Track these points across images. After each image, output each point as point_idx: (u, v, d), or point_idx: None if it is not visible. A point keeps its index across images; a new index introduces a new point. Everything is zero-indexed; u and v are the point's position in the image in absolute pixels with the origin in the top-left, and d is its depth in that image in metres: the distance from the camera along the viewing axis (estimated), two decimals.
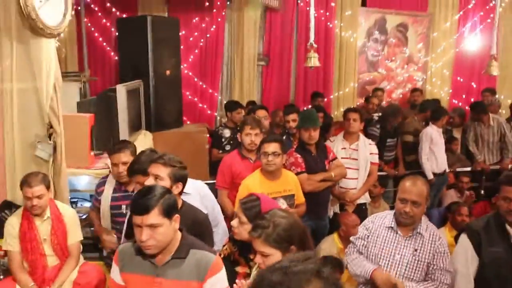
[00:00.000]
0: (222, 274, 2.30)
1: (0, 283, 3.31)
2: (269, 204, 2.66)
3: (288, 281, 1.10)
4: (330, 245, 4.30)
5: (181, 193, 2.84)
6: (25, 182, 3.18)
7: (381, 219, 2.98)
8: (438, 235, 2.88)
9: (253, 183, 3.64)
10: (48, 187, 3.29)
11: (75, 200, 4.16)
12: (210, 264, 2.24)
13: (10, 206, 3.61)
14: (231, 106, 6.06)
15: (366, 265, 2.89)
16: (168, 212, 2.17)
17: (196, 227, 2.76)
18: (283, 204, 3.72)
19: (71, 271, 3.30)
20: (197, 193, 3.22)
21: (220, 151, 5.73)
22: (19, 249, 3.24)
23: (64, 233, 3.31)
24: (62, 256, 3.33)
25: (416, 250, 2.82)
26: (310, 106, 6.65)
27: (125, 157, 3.43)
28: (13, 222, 3.26)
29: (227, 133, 5.79)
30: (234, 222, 2.65)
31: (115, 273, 2.36)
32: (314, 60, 4.57)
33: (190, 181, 3.14)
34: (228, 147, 5.73)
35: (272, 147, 3.64)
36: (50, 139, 3.63)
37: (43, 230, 3.27)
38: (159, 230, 2.14)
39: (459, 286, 2.90)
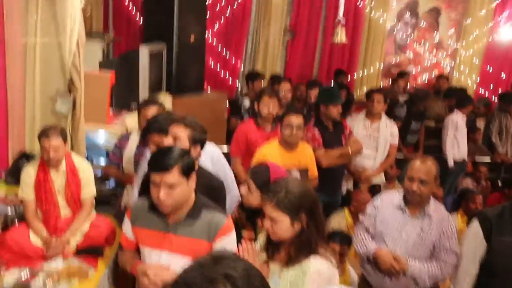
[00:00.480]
0: (232, 236, 2.30)
1: (15, 229, 3.39)
2: (278, 172, 2.67)
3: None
4: (340, 219, 4.31)
5: (197, 157, 2.84)
6: (44, 134, 3.20)
7: (390, 198, 2.96)
8: (447, 217, 2.86)
9: (270, 153, 3.64)
10: (65, 141, 3.32)
11: (91, 155, 4.21)
12: (221, 225, 2.25)
13: (28, 157, 3.69)
14: (253, 76, 6.04)
15: (369, 244, 2.89)
16: (187, 172, 2.17)
17: (211, 193, 2.77)
18: (297, 176, 3.72)
19: (82, 222, 3.36)
20: (209, 157, 3.17)
21: (239, 120, 5.71)
22: (34, 198, 3.31)
23: (78, 187, 3.35)
24: (75, 209, 3.38)
25: (422, 230, 2.81)
26: (332, 83, 6.57)
27: (154, 111, 3.43)
28: (29, 172, 3.31)
29: (247, 103, 5.77)
30: (243, 189, 2.67)
31: (126, 227, 2.40)
32: (341, 36, 4.52)
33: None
34: (246, 117, 5.71)
35: (298, 120, 3.63)
36: (70, 95, 3.67)
37: (58, 182, 3.32)
38: (177, 190, 2.14)
39: (464, 269, 2.88)
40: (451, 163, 5.73)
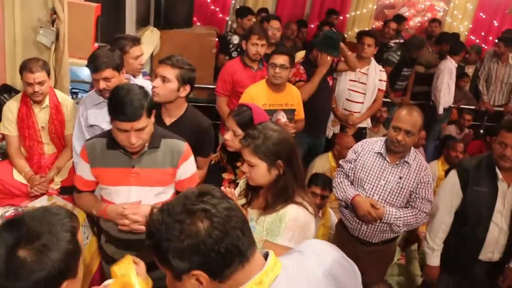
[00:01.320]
0: (192, 159, 2.46)
1: None
2: (260, 115, 2.66)
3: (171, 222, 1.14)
4: (324, 162, 4.40)
5: (188, 96, 2.83)
6: (26, 68, 3.09)
7: (371, 144, 3.00)
8: (425, 166, 2.92)
9: (256, 92, 3.63)
10: (49, 74, 3.23)
11: (76, 91, 4.15)
12: (182, 150, 2.38)
13: (9, 90, 3.60)
14: (242, 12, 5.86)
15: (348, 190, 2.95)
16: (151, 112, 2.22)
17: (199, 134, 2.82)
18: (283, 117, 3.73)
19: (67, 160, 3.34)
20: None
21: (227, 57, 5.61)
22: (17, 134, 3.26)
23: (62, 123, 3.31)
24: (59, 145, 3.36)
25: (401, 178, 2.88)
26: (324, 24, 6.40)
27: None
28: (11, 107, 3.24)
29: (235, 39, 5.63)
30: (228, 135, 2.66)
31: (84, 170, 2.39)
32: None
33: (144, 81, 3.20)
34: (235, 54, 5.59)
35: (281, 59, 3.58)
36: (53, 26, 3.54)
37: (41, 117, 3.26)
38: (146, 130, 2.20)
39: (440, 217, 3.00)
40: (441, 110, 5.78)
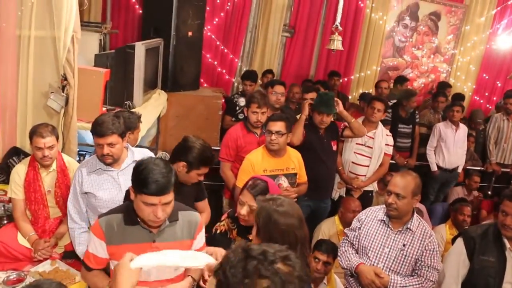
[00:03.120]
0: (203, 229, 2.52)
1: (3, 229, 3.38)
2: (275, 188, 2.69)
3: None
4: (330, 226, 4.35)
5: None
6: (36, 132, 3.18)
7: (375, 212, 3.01)
8: (429, 233, 2.90)
9: (256, 159, 3.66)
10: (57, 139, 3.33)
11: (83, 153, 4.20)
12: (198, 222, 2.43)
13: (18, 153, 3.67)
14: (243, 76, 6.05)
15: (352, 258, 2.93)
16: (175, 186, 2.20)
17: (197, 184, 3.06)
18: (284, 181, 3.74)
19: None
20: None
21: (233, 119, 5.71)
22: (23, 197, 3.30)
23: (68, 187, 3.33)
24: (64, 209, 3.36)
25: (404, 245, 2.86)
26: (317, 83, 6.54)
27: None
28: (19, 171, 3.30)
29: (242, 102, 5.73)
30: (243, 210, 2.58)
31: (97, 248, 2.29)
32: (337, 43, 4.49)
33: (141, 150, 3.28)
34: (241, 116, 5.68)
35: (277, 126, 3.64)
36: (63, 91, 3.64)
37: (47, 181, 3.31)
38: (171, 204, 2.19)
39: (446, 286, 2.93)
40: (433, 167, 5.89)
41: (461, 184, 6.21)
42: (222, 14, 6.83)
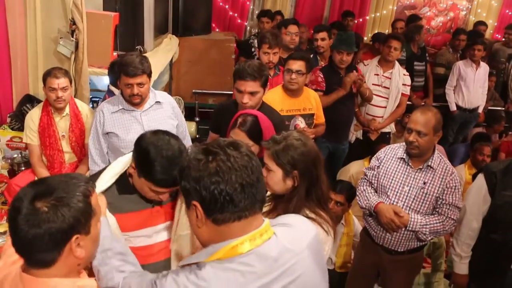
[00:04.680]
0: None
1: (21, 174, 3.41)
2: (264, 121, 2.53)
3: None
4: (358, 168, 4.28)
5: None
6: (50, 74, 3.17)
7: (394, 150, 2.92)
8: (451, 170, 2.82)
9: (273, 98, 3.57)
10: (71, 82, 3.31)
11: (96, 99, 4.16)
12: None
13: (32, 100, 3.66)
14: (259, 15, 5.93)
15: (371, 197, 2.88)
16: None
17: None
18: (301, 122, 3.66)
19: (87, 171, 3.33)
20: (168, 103, 3.18)
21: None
22: (39, 143, 3.31)
23: (82, 131, 3.34)
24: (80, 154, 3.39)
25: (425, 183, 2.78)
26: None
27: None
28: (33, 116, 3.29)
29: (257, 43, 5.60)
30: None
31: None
32: None
33: (161, 93, 3.22)
34: (257, 57, 5.57)
35: (297, 65, 3.52)
36: (72, 36, 3.57)
37: (61, 126, 3.30)
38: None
39: (466, 223, 2.88)
40: (452, 107, 5.76)
41: (481, 125, 6.07)
42: None
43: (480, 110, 5.89)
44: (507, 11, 7.75)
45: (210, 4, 5.83)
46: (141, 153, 1.83)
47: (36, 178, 3.28)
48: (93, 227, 1.36)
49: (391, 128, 4.88)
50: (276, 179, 1.98)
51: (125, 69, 2.82)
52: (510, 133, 6.32)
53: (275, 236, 1.36)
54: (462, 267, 2.92)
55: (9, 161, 3.58)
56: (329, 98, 4.13)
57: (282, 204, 2.01)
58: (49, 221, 1.24)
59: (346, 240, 3.56)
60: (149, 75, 2.93)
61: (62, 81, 3.17)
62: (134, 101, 2.93)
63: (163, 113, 3.08)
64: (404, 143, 2.97)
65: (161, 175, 1.78)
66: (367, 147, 4.63)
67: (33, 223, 1.23)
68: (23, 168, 3.53)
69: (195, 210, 1.31)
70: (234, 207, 1.28)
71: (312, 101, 3.74)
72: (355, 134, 4.79)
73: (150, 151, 1.79)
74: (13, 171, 3.52)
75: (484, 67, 5.75)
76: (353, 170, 4.30)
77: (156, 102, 3.06)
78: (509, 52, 6.60)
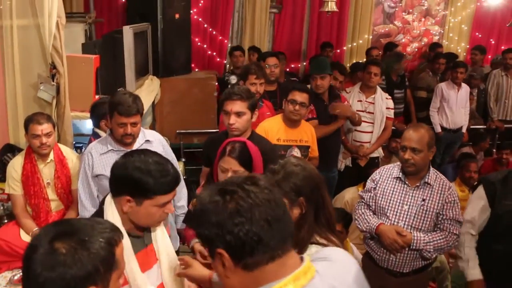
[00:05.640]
0: None
1: (4, 227, 3.26)
2: (254, 148, 2.46)
3: None
4: (353, 194, 4.23)
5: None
6: (32, 120, 3.08)
7: (389, 170, 2.90)
8: (448, 185, 2.80)
9: (271, 127, 3.60)
10: (54, 127, 3.22)
11: (80, 145, 4.07)
12: None
13: (12, 149, 3.55)
14: (234, 48, 6.11)
15: (371, 220, 2.82)
16: None
17: (263, 156, 2.62)
18: (297, 153, 3.69)
19: (75, 216, 3.19)
20: (158, 141, 3.13)
21: None
22: (22, 192, 3.18)
23: (68, 177, 3.24)
24: (66, 201, 3.27)
25: (424, 200, 2.76)
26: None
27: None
28: (15, 164, 3.18)
29: (233, 79, 5.56)
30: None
31: None
32: (331, 4, 4.38)
33: (150, 131, 3.21)
34: None
35: (303, 97, 3.57)
36: (53, 81, 3.51)
37: (46, 173, 3.19)
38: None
39: (464, 229, 2.81)
40: (437, 129, 5.82)
41: (467, 145, 6.13)
42: None
43: (464, 130, 5.97)
44: (477, 33, 7.98)
45: (189, 43, 5.85)
46: (130, 181, 1.77)
47: (20, 230, 3.15)
48: (113, 283, 1.21)
49: (379, 152, 4.88)
50: None
51: (119, 108, 2.75)
52: (494, 150, 6.40)
53: (318, 274, 1.23)
54: (473, 273, 2.80)
55: None
56: (327, 129, 4.18)
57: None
58: (65, 265, 1.12)
59: None
60: (142, 115, 2.89)
61: (45, 127, 3.07)
62: (127, 141, 2.85)
63: None
64: (398, 163, 2.95)
65: (160, 179, 1.77)
66: (358, 174, 4.62)
67: (47, 265, 1.12)
68: (5, 221, 3.39)
69: (221, 259, 1.17)
70: (264, 247, 1.15)
71: (308, 134, 3.78)
72: (344, 162, 4.77)
73: (134, 173, 1.75)
74: None
75: (465, 88, 5.89)
76: (347, 196, 4.26)
77: (146, 140, 3.00)
78: (486, 71, 6.77)
